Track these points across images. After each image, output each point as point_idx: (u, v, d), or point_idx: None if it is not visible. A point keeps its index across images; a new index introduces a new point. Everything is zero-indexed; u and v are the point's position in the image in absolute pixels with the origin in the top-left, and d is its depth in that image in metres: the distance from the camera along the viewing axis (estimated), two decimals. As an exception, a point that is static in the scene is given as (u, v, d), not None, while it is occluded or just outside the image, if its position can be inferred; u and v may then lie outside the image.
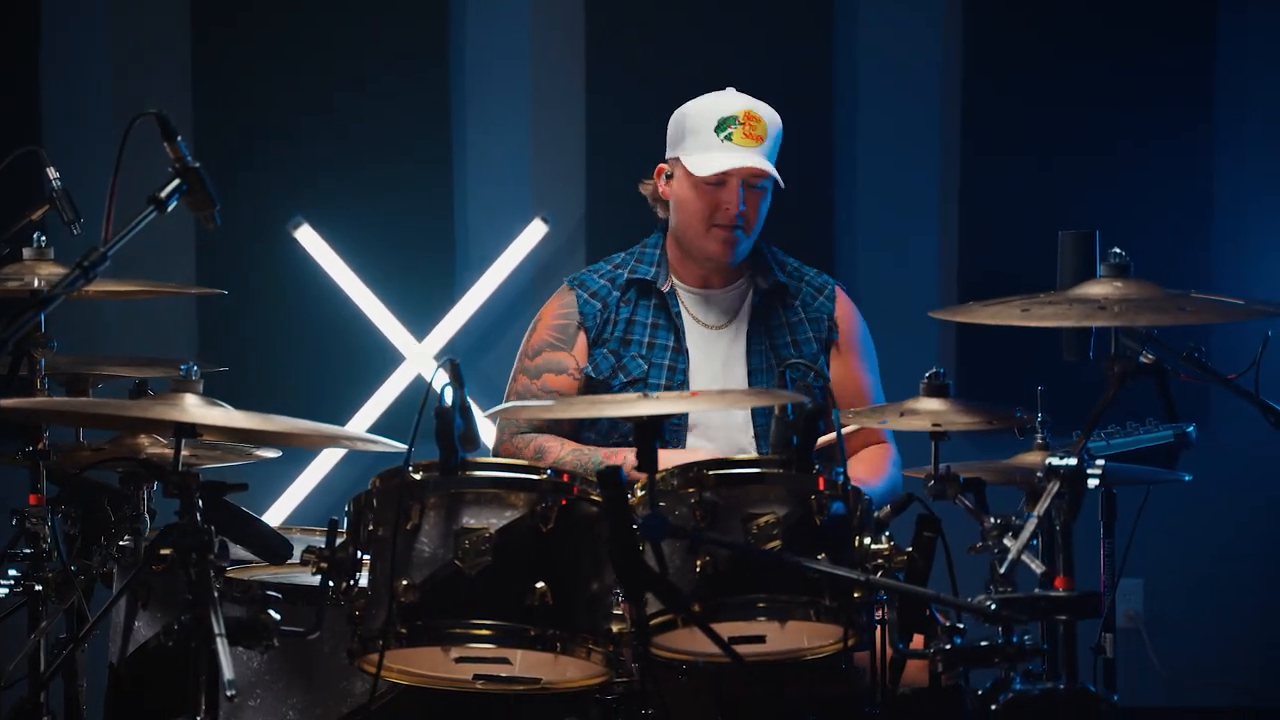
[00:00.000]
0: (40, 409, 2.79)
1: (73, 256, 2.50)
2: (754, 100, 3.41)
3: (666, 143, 3.47)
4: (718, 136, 3.36)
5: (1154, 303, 2.52)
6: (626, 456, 3.05)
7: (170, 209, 2.41)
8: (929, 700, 2.62)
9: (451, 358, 2.49)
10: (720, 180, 3.37)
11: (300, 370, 4.74)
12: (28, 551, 2.93)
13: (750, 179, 3.38)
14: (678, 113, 3.45)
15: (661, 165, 3.49)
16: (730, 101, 3.40)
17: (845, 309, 3.54)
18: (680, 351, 3.45)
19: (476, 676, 2.57)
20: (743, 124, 3.37)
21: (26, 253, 3.01)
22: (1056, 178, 4.82)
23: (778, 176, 3.38)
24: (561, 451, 3.34)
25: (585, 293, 3.50)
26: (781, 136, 3.42)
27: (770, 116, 3.41)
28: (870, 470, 3.40)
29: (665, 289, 3.48)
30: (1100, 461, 2.49)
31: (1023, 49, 4.85)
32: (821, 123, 4.86)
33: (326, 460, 4.73)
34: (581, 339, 3.47)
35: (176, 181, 2.43)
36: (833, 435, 3.01)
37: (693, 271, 3.50)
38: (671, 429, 3.38)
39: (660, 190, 3.49)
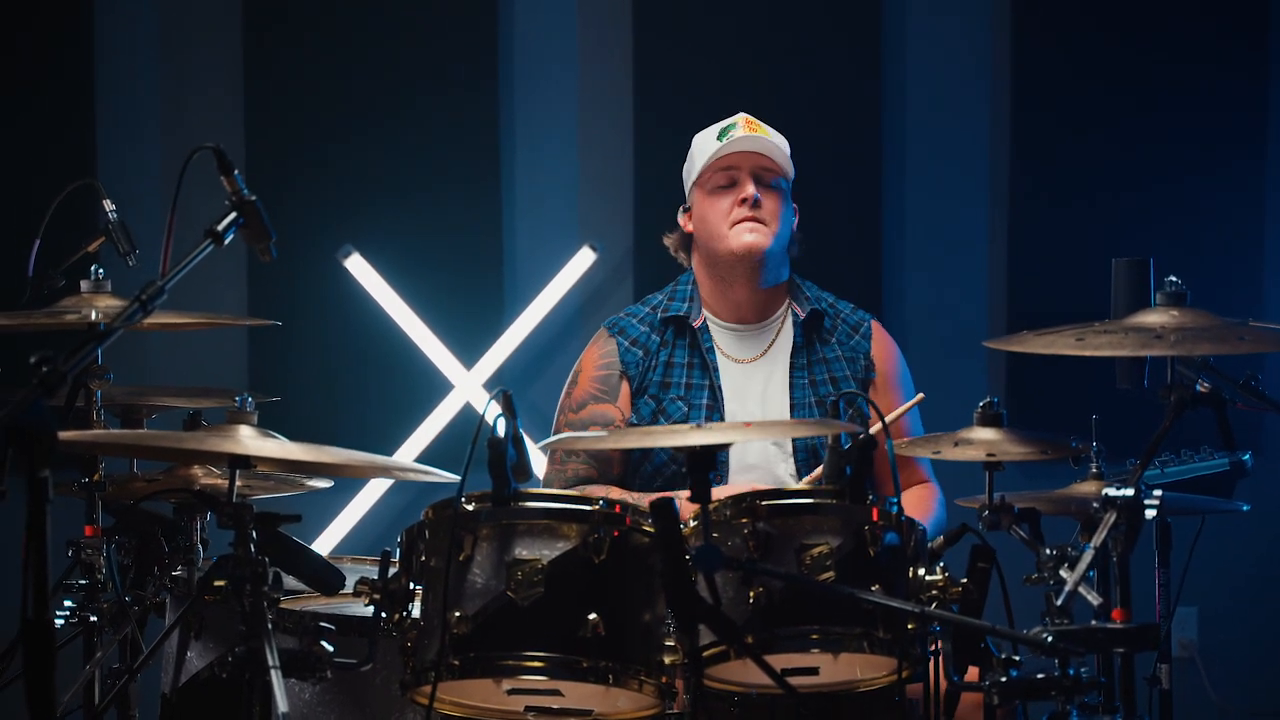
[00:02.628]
0: (98, 441, 2.81)
1: (128, 288, 2.52)
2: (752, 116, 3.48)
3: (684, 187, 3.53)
4: (719, 142, 3.43)
5: (1211, 331, 2.50)
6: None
7: (227, 242, 2.42)
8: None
9: (504, 389, 2.50)
10: (730, 180, 3.41)
11: (350, 399, 4.75)
12: (83, 582, 2.96)
13: (760, 171, 3.41)
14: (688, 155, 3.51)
15: (682, 207, 3.53)
16: (729, 118, 3.47)
17: (882, 345, 3.52)
18: (715, 389, 3.44)
19: (528, 708, 2.56)
20: (741, 126, 3.44)
21: (84, 285, 3.05)
22: (1107, 207, 4.79)
23: (783, 160, 3.42)
24: None
25: (626, 340, 3.49)
26: (788, 150, 3.46)
27: (772, 130, 3.46)
28: (917, 511, 3.36)
29: (697, 324, 3.47)
30: (1158, 492, 2.48)
31: (1072, 76, 4.82)
32: (870, 151, 4.85)
33: (374, 490, 4.74)
34: (625, 389, 3.46)
35: (233, 215, 2.44)
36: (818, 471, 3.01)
37: (727, 304, 3.49)
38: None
39: (684, 227, 3.52)
